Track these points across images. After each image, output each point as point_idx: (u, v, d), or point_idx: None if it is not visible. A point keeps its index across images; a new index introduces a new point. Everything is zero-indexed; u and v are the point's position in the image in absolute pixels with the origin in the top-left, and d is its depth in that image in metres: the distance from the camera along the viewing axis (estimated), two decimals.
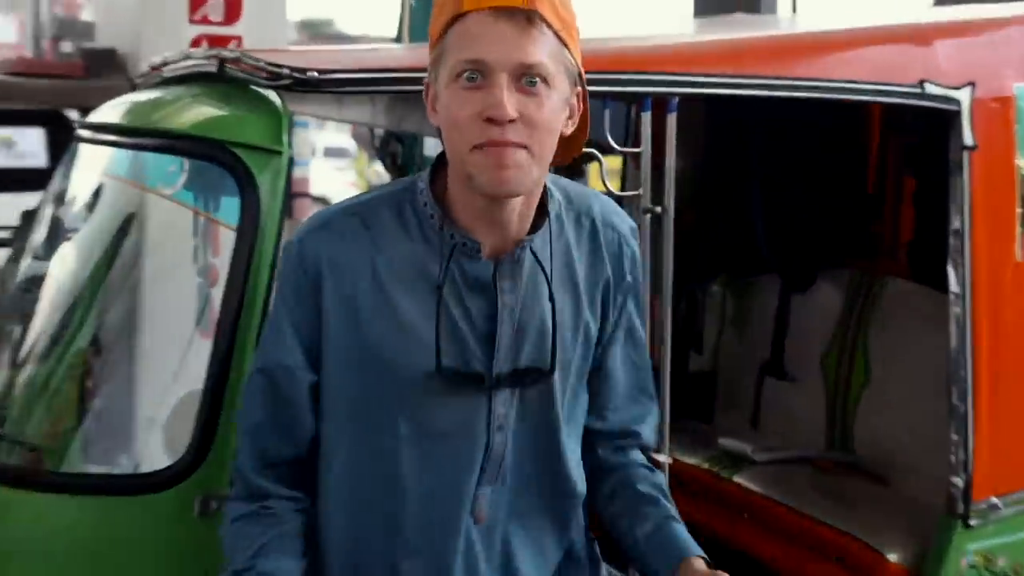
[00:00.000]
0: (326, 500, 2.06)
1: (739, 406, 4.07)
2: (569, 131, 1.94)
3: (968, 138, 2.86)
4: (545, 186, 1.98)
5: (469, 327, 1.96)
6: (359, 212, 2.01)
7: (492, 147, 1.77)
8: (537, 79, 1.77)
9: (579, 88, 1.92)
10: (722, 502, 3.54)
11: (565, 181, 2.13)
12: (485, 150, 1.78)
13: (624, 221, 2.17)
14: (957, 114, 2.84)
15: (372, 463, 2.01)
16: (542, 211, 1.98)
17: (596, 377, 2.17)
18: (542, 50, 1.77)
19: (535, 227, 1.97)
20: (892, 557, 3.06)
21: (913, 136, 3.73)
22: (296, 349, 1.98)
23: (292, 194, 7.80)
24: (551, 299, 1.96)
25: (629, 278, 2.14)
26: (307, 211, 9.43)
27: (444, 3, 1.84)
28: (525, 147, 1.79)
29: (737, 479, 3.55)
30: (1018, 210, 2.93)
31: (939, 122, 2.90)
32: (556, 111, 1.83)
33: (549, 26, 1.78)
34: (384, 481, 2.01)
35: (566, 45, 1.83)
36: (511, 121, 1.75)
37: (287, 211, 2.49)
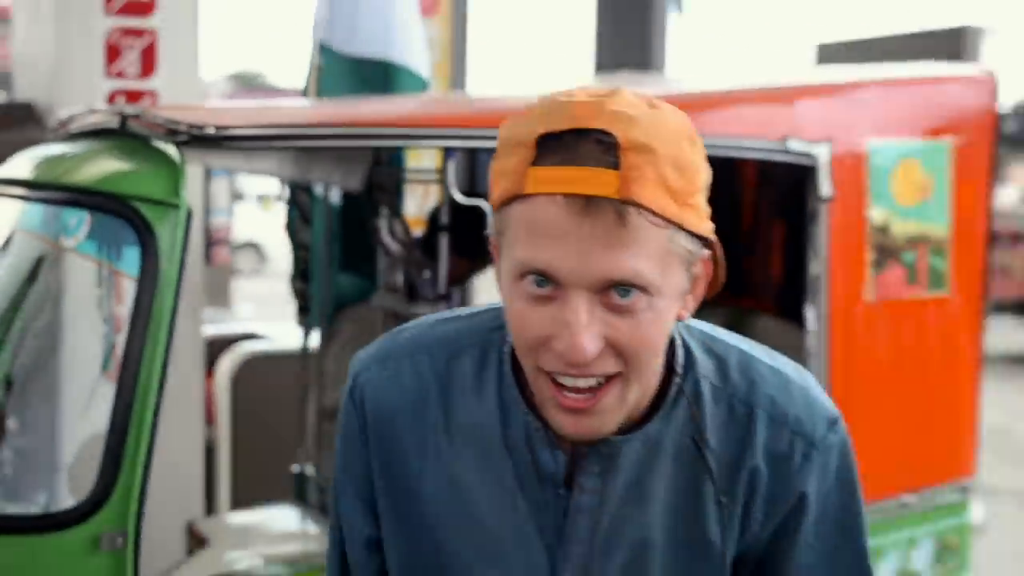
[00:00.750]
0: None
1: None
2: (688, 312, 1.32)
3: (825, 190, 2.88)
4: (673, 352, 1.38)
5: (536, 525, 1.41)
6: (433, 351, 1.49)
7: (563, 391, 1.24)
8: (633, 291, 1.18)
9: (705, 254, 1.28)
10: None
11: (729, 345, 1.45)
12: (557, 388, 1.24)
13: (815, 424, 1.38)
14: (815, 168, 2.87)
15: None
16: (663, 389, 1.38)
17: None
18: (642, 254, 1.17)
19: (650, 411, 1.37)
20: None
21: (783, 185, 3.75)
22: (354, 499, 1.57)
23: (211, 241, 7.83)
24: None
25: (797, 496, 1.38)
26: (224, 257, 9.46)
27: (503, 164, 1.23)
28: (618, 377, 1.23)
29: None
30: (868, 255, 2.91)
31: (800, 175, 2.88)
32: (663, 320, 1.23)
33: (656, 214, 1.16)
34: None
35: (681, 225, 1.20)
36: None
37: (206, 258, 2.44)
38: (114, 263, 2.47)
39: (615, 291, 1.18)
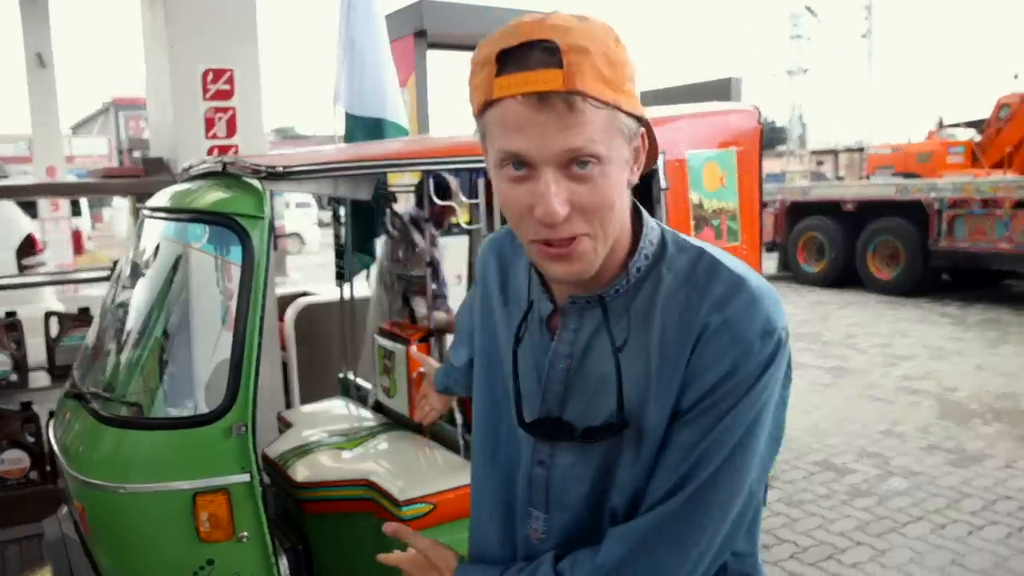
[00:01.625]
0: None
1: None
2: (636, 179, 1.14)
3: (663, 183, 2.90)
4: (638, 242, 1.19)
5: (529, 363, 1.26)
6: (508, 233, 1.41)
7: (550, 245, 1.09)
8: (588, 161, 1.04)
9: (641, 130, 1.12)
10: None
11: (707, 252, 1.18)
12: (544, 246, 1.09)
13: (749, 325, 1.09)
14: (656, 170, 2.89)
15: (483, 448, 1.38)
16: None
17: None
18: (589, 131, 1.03)
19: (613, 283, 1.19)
20: None
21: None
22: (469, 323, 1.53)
23: (276, 236, 7.82)
24: (616, 350, 1.15)
25: (714, 382, 1.09)
26: (282, 244, 9.47)
27: (476, 81, 1.08)
28: (586, 234, 1.08)
29: None
30: (691, 222, 2.96)
31: (645, 174, 2.90)
32: (615, 183, 1.08)
33: (596, 99, 1.02)
34: (481, 463, 1.39)
35: (619, 107, 1.05)
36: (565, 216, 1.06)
37: (274, 245, 2.44)
38: (225, 256, 2.46)
39: (575, 165, 1.03)
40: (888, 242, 12.67)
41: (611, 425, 1.15)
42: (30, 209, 14.42)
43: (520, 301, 1.31)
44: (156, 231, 2.81)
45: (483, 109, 1.08)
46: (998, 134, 14.72)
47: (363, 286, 3.97)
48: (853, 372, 7.83)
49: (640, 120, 1.11)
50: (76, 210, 14.48)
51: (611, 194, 1.07)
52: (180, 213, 2.59)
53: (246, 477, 2.31)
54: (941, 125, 18.49)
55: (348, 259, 3.77)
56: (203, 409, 2.42)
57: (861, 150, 21.02)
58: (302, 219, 22.90)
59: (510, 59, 1.02)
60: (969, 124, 17.62)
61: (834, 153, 22.96)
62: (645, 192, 3.16)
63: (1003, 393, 7.02)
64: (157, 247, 2.78)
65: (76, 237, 13.03)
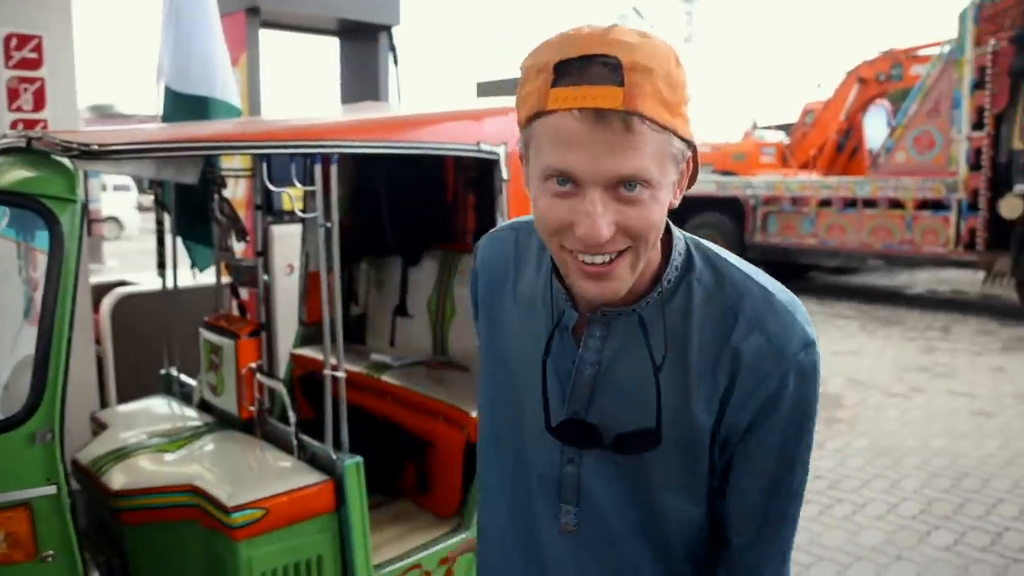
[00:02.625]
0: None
1: (382, 335, 3.87)
2: (677, 202, 1.10)
3: (504, 174, 2.83)
4: (669, 252, 1.17)
5: (555, 368, 1.21)
6: (520, 229, 1.34)
7: (584, 262, 1.05)
8: (638, 185, 1.00)
9: (690, 154, 1.09)
10: (376, 392, 3.38)
11: (730, 264, 1.18)
12: (579, 262, 1.06)
13: (788, 340, 1.11)
14: (498, 161, 2.81)
15: (495, 447, 1.36)
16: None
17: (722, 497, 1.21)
18: (643, 155, 0.99)
19: (645, 294, 1.16)
20: (473, 413, 2.94)
21: (474, 172, 3.69)
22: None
23: (90, 220, 7.28)
24: (657, 369, 1.12)
25: (764, 402, 1.11)
26: (97, 230, 8.85)
27: (527, 90, 1.03)
28: (627, 250, 1.05)
29: (383, 377, 3.36)
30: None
31: (488, 165, 2.81)
32: (661, 207, 1.04)
33: (654, 122, 0.98)
34: (499, 467, 1.35)
35: (675, 131, 1.01)
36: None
37: (88, 231, 2.18)
38: (29, 242, 2.18)
39: (623, 187, 1.00)
40: (709, 236, 13.06)
41: (646, 435, 1.14)
42: None
43: (535, 303, 1.26)
44: None
45: (532, 119, 1.03)
46: (804, 137, 15.58)
47: (187, 275, 3.69)
48: None
49: (690, 144, 1.07)
50: None
51: (658, 217, 1.04)
52: None
53: (52, 489, 2.06)
54: (755, 127, 19.42)
55: (194, 248, 3.50)
56: (1, 414, 2.14)
57: None
58: (120, 202, 21.65)
59: (569, 70, 0.98)
60: (779, 127, 18.62)
61: None
62: (487, 182, 3.08)
63: None
64: None
65: None
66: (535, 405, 1.22)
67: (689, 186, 1.13)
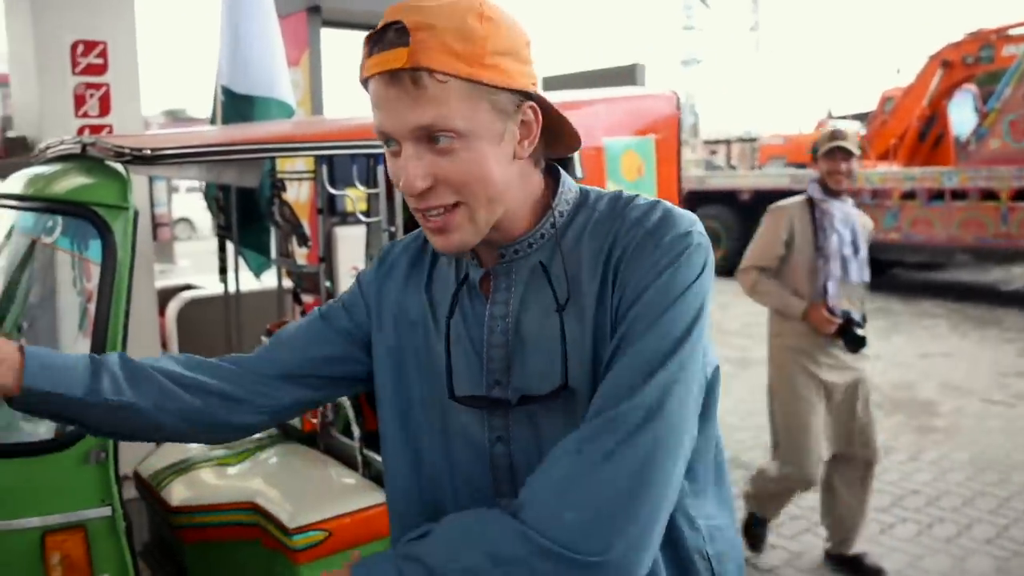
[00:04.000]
0: (385, 458, 1.31)
1: None
2: (527, 153, 1.09)
3: (579, 172, 2.66)
4: (554, 191, 1.16)
5: (469, 336, 1.17)
6: (419, 235, 1.31)
7: (425, 215, 1.07)
8: (442, 135, 1.02)
9: (528, 104, 1.08)
10: None
11: (621, 192, 1.17)
12: (422, 216, 1.09)
13: (669, 227, 1.08)
14: (572, 157, 2.62)
15: (413, 454, 1.25)
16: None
17: None
18: (439, 105, 1.01)
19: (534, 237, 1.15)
20: None
21: None
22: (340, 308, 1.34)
23: (156, 224, 7.34)
24: (560, 309, 1.10)
25: (636, 280, 1.06)
26: (165, 235, 8.93)
27: (359, 64, 1.08)
28: (458, 204, 1.06)
29: None
30: None
31: (563, 162, 2.66)
32: (484, 156, 1.04)
33: (444, 73, 1.00)
34: (424, 473, 1.24)
35: (479, 80, 1.02)
36: (430, 188, 1.04)
37: (154, 234, 2.12)
38: (83, 252, 2.11)
39: (433, 139, 1.03)
40: None
41: (556, 391, 1.09)
42: None
43: (448, 280, 1.23)
44: (6, 221, 2.44)
45: (365, 88, 1.09)
46: (883, 126, 15.05)
47: (250, 279, 3.63)
48: (756, 363, 7.76)
49: (525, 94, 1.08)
50: None
51: (481, 167, 1.05)
52: (32, 201, 2.22)
53: (107, 511, 1.99)
54: (830, 116, 18.92)
55: (248, 253, 3.44)
56: (55, 432, 2.07)
57: (754, 140, 21.37)
58: (192, 204, 22.09)
59: (374, 41, 1.03)
60: (856, 116, 18.07)
61: (726, 143, 23.28)
62: None
63: (899, 383, 7.06)
64: (6, 239, 2.41)
65: None
66: (442, 379, 1.18)
67: (566, 139, 1.17)
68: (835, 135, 3.57)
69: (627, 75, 5.67)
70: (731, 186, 13.71)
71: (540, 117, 1.11)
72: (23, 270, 2.34)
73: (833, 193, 3.58)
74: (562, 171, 1.20)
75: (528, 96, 1.08)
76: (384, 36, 1.02)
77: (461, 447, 1.19)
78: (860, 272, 3.61)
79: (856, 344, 3.55)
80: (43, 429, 2.19)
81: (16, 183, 2.37)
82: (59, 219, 2.17)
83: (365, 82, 1.07)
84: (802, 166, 15.07)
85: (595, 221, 1.13)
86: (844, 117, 18.67)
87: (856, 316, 3.57)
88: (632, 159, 2.80)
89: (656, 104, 3.03)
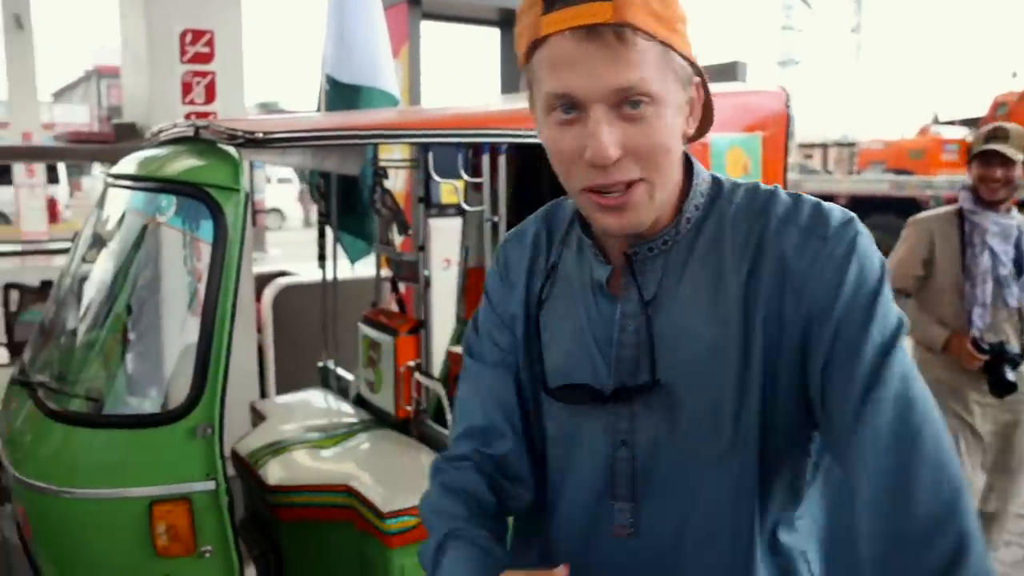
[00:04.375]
0: None
1: None
2: (692, 130, 1.06)
3: None
4: (691, 181, 1.10)
5: (594, 334, 1.12)
6: (540, 217, 1.27)
7: (602, 193, 1.00)
8: (640, 100, 0.95)
9: (696, 79, 1.04)
10: None
11: (757, 183, 1.12)
12: (596, 194, 1.00)
13: (826, 223, 1.02)
14: None
15: (544, 452, 1.22)
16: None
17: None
18: (641, 66, 0.94)
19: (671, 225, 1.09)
20: None
21: None
22: (496, 329, 1.27)
23: (254, 211, 7.54)
24: (645, 304, 1.07)
25: (816, 289, 1.00)
26: (260, 221, 9.19)
27: (522, 26, 1.01)
28: (641, 180, 0.99)
29: None
30: None
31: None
32: (670, 127, 0.99)
33: (646, 33, 0.94)
34: (548, 472, 1.21)
35: (671, 46, 0.97)
36: (617, 160, 0.97)
37: (252, 221, 2.17)
38: (194, 232, 2.17)
39: (627, 105, 0.96)
40: (881, 239, 12.42)
41: (642, 386, 1.06)
42: (3, 175, 14.05)
43: (572, 279, 1.17)
44: (120, 201, 2.52)
45: (530, 52, 1.00)
46: None
47: (346, 267, 3.69)
48: None
49: (695, 68, 1.02)
50: (53, 177, 14.08)
51: (667, 137, 0.99)
52: (146, 181, 2.30)
53: (211, 485, 2.04)
54: (935, 122, 18.33)
55: (347, 240, 3.49)
56: (164, 406, 2.14)
57: (852, 144, 20.84)
58: (283, 194, 22.59)
59: None
60: (964, 122, 17.45)
61: (823, 147, 22.75)
62: None
63: None
64: (120, 219, 2.49)
65: (51, 205, 12.65)
66: (581, 372, 1.12)
67: (706, 123, 1.09)
68: (993, 134, 3.10)
69: (728, 73, 5.59)
70: (827, 191, 13.37)
71: (702, 95, 1.06)
72: (135, 249, 2.42)
73: (988, 204, 3.07)
74: (693, 158, 1.14)
75: (696, 69, 1.03)
76: None
77: (581, 447, 1.14)
78: (1021, 297, 3.09)
79: (1003, 388, 3.01)
80: (151, 403, 2.26)
81: (130, 164, 2.45)
82: (172, 199, 2.24)
83: (537, 43, 0.98)
84: (903, 172, 14.64)
85: (734, 215, 1.07)
86: (952, 123, 18.05)
87: (1014, 350, 3.04)
88: (737, 156, 2.75)
89: (764, 100, 2.97)
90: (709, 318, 1.04)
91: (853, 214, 1.03)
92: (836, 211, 1.03)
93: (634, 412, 1.09)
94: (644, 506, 1.10)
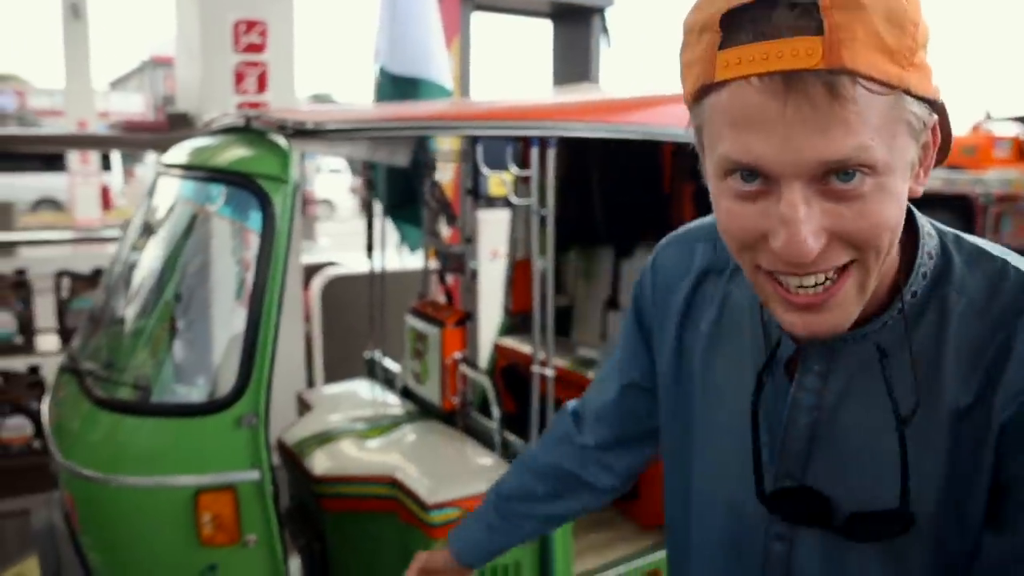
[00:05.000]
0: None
1: (591, 328, 3.71)
2: (921, 189, 0.77)
3: None
4: (913, 254, 0.85)
5: (763, 414, 0.91)
6: (715, 238, 1.01)
7: (789, 287, 0.76)
8: (857, 173, 0.70)
9: (933, 119, 0.76)
10: (580, 388, 3.21)
11: (1007, 262, 0.83)
12: (783, 288, 0.77)
13: None
14: None
15: (675, 515, 1.09)
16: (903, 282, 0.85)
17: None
18: (861, 130, 0.68)
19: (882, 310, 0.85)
20: None
21: (692, 158, 3.44)
22: (631, 343, 1.15)
23: (304, 200, 7.59)
24: (899, 420, 0.80)
25: None
26: (311, 211, 9.24)
27: (691, 59, 0.75)
28: (852, 263, 0.74)
29: (590, 374, 3.20)
30: None
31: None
32: (895, 200, 0.73)
33: (874, 80, 0.67)
34: (680, 542, 1.08)
35: (907, 90, 0.70)
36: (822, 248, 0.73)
37: (301, 210, 2.15)
38: (243, 222, 2.16)
39: (835, 176, 0.70)
40: None
41: (892, 518, 0.81)
42: (58, 163, 14.30)
43: (740, 328, 0.97)
44: (171, 189, 2.52)
45: (700, 95, 0.75)
46: None
47: (395, 259, 3.67)
48: None
49: (933, 104, 0.75)
50: (106, 165, 14.30)
51: (890, 213, 0.73)
52: (196, 171, 2.29)
53: (256, 475, 2.02)
54: (988, 118, 17.89)
55: (405, 229, 3.47)
56: (211, 395, 2.13)
57: None
58: (334, 185, 22.74)
59: (742, 23, 0.69)
60: (1020, 119, 17.02)
61: None
62: (698, 170, 2.85)
63: None
64: (170, 208, 2.49)
65: (104, 193, 12.84)
66: (738, 461, 0.93)
67: (940, 161, 0.81)
68: None
69: None
70: None
71: (939, 134, 0.79)
72: (185, 238, 2.41)
73: None
74: (918, 214, 0.87)
75: (935, 106, 0.76)
76: (767, 16, 0.68)
77: (731, 533, 0.98)
78: None
79: None
80: (198, 392, 2.25)
81: (181, 153, 2.44)
82: (222, 188, 2.22)
83: (707, 87, 0.73)
84: (955, 168, 14.31)
85: (965, 310, 0.82)
86: (1004, 119, 17.61)
87: None
88: None
89: None
90: (910, 432, 0.81)
91: None
92: None
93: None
94: None
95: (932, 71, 0.73)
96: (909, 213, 0.86)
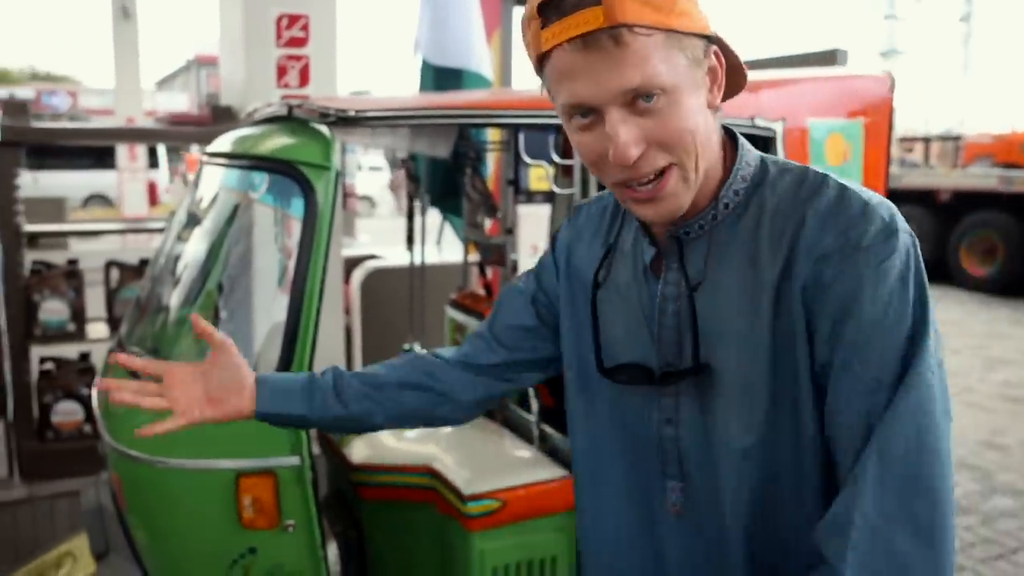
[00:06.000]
0: (570, 433, 1.34)
1: None
2: (718, 101, 1.05)
3: (781, 154, 2.54)
4: (733, 162, 1.10)
5: (644, 315, 1.16)
6: (601, 199, 1.32)
7: (633, 188, 1.02)
8: (653, 94, 0.96)
9: (711, 48, 1.03)
10: None
11: (813, 170, 1.08)
12: (628, 188, 1.03)
13: (864, 232, 0.99)
14: (774, 139, 2.54)
15: (585, 438, 1.28)
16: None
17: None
18: (644, 63, 0.95)
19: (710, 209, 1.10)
20: None
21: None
22: (532, 279, 1.39)
23: (344, 195, 7.67)
24: (691, 289, 1.08)
25: (841, 294, 0.99)
26: (351, 205, 9.33)
27: (528, 42, 1.04)
28: (671, 165, 1.01)
29: None
30: None
31: (763, 143, 2.54)
32: (690, 108, 0.99)
33: (643, 27, 0.94)
34: (591, 460, 1.27)
35: (675, 30, 0.97)
36: (642, 154, 0.99)
37: (342, 204, 2.17)
38: (285, 209, 2.20)
39: (641, 99, 0.97)
40: (986, 236, 11.96)
41: (686, 369, 1.09)
42: (107, 160, 14.58)
43: (630, 257, 1.21)
44: (214, 179, 2.57)
45: (540, 64, 1.04)
46: None
47: (434, 252, 3.71)
48: (948, 375, 7.27)
49: (708, 38, 1.02)
50: (153, 162, 14.56)
51: (688, 120, 1.00)
52: (239, 159, 2.33)
53: (296, 460, 2.06)
54: None
55: (454, 220, 3.50)
56: None
57: (958, 138, 20.07)
58: (373, 182, 22.89)
59: (550, 9, 0.98)
60: None
61: (925, 140, 21.98)
62: None
63: None
64: (214, 197, 2.54)
65: (151, 188, 13.09)
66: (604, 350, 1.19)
67: (734, 85, 1.09)
68: None
69: (828, 59, 5.43)
70: (929, 185, 12.90)
71: (724, 60, 1.06)
72: (228, 226, 2.46)
73: None
74: (740, 136, 1.14)
75: (711, 39, 1.03)
76: (564, 1, 0.96)
77: (629, 425, 1.20)
78: None
79: None
80: None
81: (224, 142, 2.49)
82: (265, 176, 2.26)
83: (542, 57, 1.01)
84: (1013, 166, 14.03)
85: (775, 205, 1.06)
86: None
87: None
88: (837, 142, 2.65)
89: (867, 86, 2.86)
90: (742, 309, 1.06)
91: (898, 218, 1.01)
92: (881, 210, 1.00)
93: (678, 392, 1.12)
94: (690, 486, 1.14)
95: (698, 15, 0.99)
96: (733, 137, 1.13)
